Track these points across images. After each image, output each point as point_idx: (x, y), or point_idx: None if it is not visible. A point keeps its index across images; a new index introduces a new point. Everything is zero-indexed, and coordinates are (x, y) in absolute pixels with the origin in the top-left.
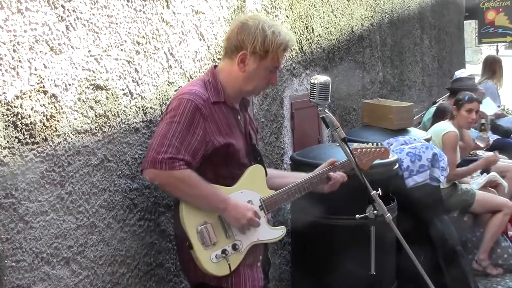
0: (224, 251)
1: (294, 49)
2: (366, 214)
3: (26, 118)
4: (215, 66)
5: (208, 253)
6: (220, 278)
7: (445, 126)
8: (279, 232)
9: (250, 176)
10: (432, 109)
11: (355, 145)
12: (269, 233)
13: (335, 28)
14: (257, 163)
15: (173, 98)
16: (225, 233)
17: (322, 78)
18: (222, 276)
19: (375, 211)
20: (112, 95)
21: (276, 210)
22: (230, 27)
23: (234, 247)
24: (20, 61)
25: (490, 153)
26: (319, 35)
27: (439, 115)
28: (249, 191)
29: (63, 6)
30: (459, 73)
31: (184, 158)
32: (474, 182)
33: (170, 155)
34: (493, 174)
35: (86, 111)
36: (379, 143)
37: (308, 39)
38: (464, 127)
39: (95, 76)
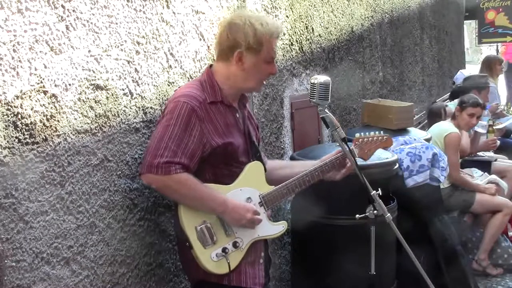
0: (224, 250)
1: (294, 49)
2: (366, 214)
3: (26, 118)
4: (211, 65)
5: (209, 252)
6: (221, 276)
7: (447, 127)
8: (280, 227)
9: (248, 173)
10: None
11: (357, 135)
12: (270, 228)
13: (335, 28)
14: (256, 159)
15: (169, 100)
16: (225, 232)
17: (322, 78)
18: (222, 274)
19: (375, 211)
20: (112, 95)
21: (277, 205)
22: (217, 32)
23: (235, 245)
24: (20, 61)
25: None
26: (319, 35)
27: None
28: (248, 188)
29: (63, 6)
30: (460, 75)
31: (180, 161)
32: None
33: (167, 159)
34: (493, 176)
35: (86, 111)
36: (381, 132)
37: (308, 39)
38: (463, 129)
39: (95, 76)
